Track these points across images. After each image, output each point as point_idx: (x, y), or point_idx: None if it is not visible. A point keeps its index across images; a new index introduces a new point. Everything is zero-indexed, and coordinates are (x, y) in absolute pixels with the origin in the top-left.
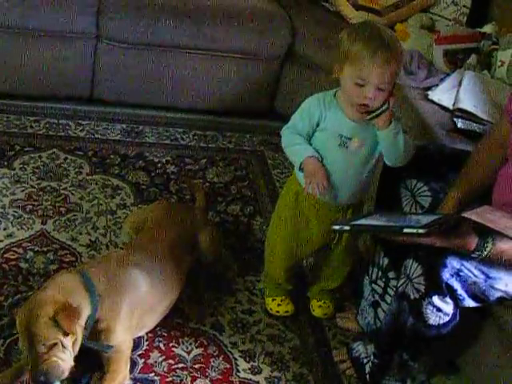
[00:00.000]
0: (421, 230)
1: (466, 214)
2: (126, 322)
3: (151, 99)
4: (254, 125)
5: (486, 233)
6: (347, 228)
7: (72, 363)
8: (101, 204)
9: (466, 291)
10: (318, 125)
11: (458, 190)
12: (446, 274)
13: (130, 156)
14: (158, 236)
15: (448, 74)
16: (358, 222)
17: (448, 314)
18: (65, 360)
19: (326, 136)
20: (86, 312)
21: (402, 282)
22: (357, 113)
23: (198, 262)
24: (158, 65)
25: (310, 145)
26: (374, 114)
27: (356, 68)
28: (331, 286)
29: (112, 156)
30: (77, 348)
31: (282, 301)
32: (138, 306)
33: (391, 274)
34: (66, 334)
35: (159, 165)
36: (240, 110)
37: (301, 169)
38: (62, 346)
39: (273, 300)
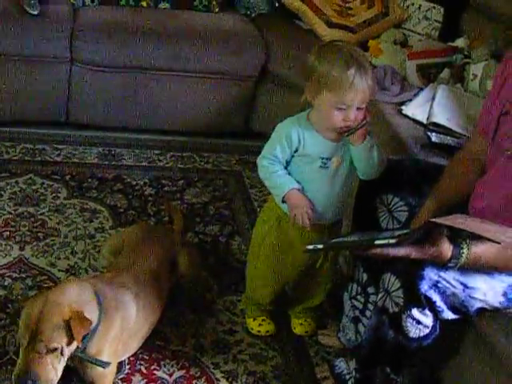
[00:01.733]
0: (392, 240)
1: (434, 219)
2: (114, 345)
3: (127, 122)
4: (230, 144)
5: (460, 239)
6: (320, 247)
7: (59, 376)
8: (79, 228)
9: (445, 303)
10: (296, 150)
11: (433, 203)
12: (424, 286)
13: (108, 179)
14: (137, 259)
15: (421, 89)
16: (332, 241)
17: (428, 327)
18: (57, 370)
19: (307, 160)
20: (92, 325)
21: (380, 296)
22: (333, 133)
23: (177, 283)
24: (134, 87)
25: (289, 172)
26: (353, 130)
27: (337, 94)
28: (313, 304)
29: (89, 180)
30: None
31: (263, 320)
32: (126, 328)
33: (371, 290)
34: (68, 343)
35: (137, 187)
36: (216, 130)
37: (283, 201)
38: (61, 353)
39: (254, 320)
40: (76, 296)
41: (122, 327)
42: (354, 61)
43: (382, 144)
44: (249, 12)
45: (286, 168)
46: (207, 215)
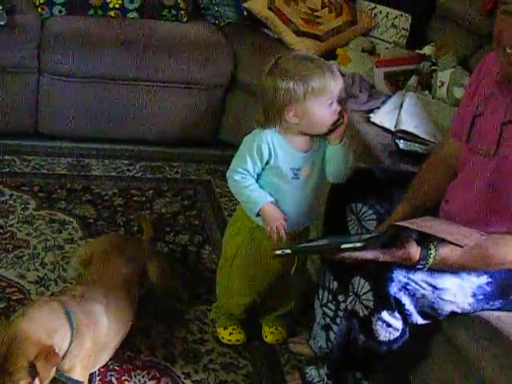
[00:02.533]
0: (358, 244)
1: (399, 223)
2: (86, 360)
3: (96, 132)
4: (200, 154)
5: (427, 241)
6: (288, 251)
7: None
8: (48, 239)
9: (415, 306)
10: (267, 163)
11: (405, 207)
12: (393, 289)
13: (77, 190)
14: (107, 270)
15: (389, 96)
16: (301, 245)
17: (398, 330)
18: None
19: (278, 172)
20: (64, 349)
21: (350, 299)
22: (303, 143)
23: (147, 293)
24: (102, 97)
25: (260, 185)
26: (339, 122)
27: (323, 94)
28: (284, 312)
29: (58, 190)
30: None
31: (233, 329)
32: (97, 342)
33: (341, 297)
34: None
35: (106, 197)
36: (186, 140)
37: (258, 215)
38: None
39: (225, 329)
40: (46, 323)
41: (94, 342)
42: (321, 64)
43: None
44: (217, 21)
45: (256, 181)
46: (177, 225)
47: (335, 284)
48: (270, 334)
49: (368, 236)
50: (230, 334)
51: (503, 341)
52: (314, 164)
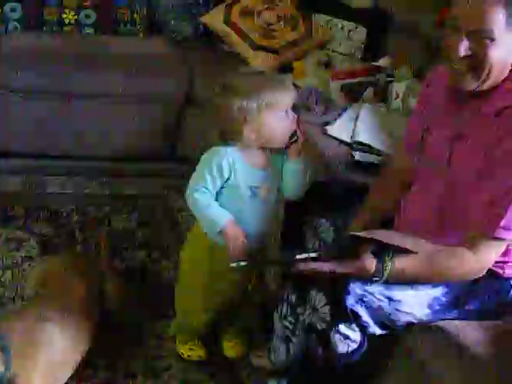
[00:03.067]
0: (312, 254)
1: (354, 233)
2: (43, 380)
3: (52, 148)
4: (156, 169)
5: (383, 254)
6: (243, 264)
7: None
8: (5, 258)
9: (372, 317)
10: (226, 180)
11: (361, 220)
12: (350, 301)
13: (34, 207)
14: (63, 288)
15: (346, 109)
16: (256, 258)
17: (356, 342)
18: None
19: (237, 190)
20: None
21: (307, 313)
22: (261, 159)
23: (105, 310)
24: (58, 113)
25: (219, 204)
26: (294, 137)
27: (277, 106)
28: (242, 325)
29: (15, 208)
30: None
31: (194, 345)
32: (52, 362)
33: (300, 310)
34: None
35: (63, 215)
36: (142, 155)
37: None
38: None
39: (185, 344)
40: None
41: (48, 361)
42: (263, 72)
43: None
44: (174, 36)
45: (216, 200)
46: (134, 241)
47: (294, 297)
48: (230, 348)
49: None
50: (191, 349)
51: (459, 349)
52: (273, 183)
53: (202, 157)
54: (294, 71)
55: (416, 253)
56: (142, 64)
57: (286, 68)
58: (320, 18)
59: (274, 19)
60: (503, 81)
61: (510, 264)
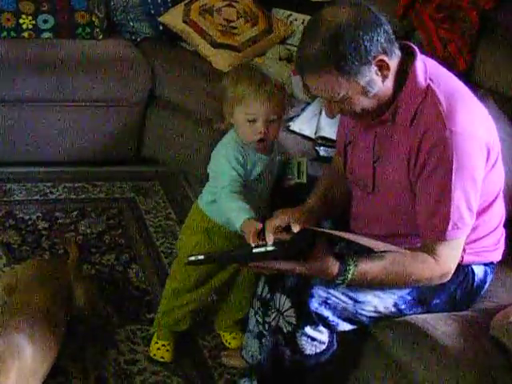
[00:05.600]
0: (270, 248)
1: (313, 227)
2: None
3: (16, 155)
4: (123, 172)
5: (346, 256)
6: (201, 257)
7: None
8: None
9: (339, 317)
10: (244, 168)
11: (315, 201)
12: (314, 304)
13: None
14: (31, 296)
15: (308, 104)
16: (213, 253)
17: (324, 343)
18: None
19: (249, 175)
20: None
21: (273, 316)
22: (256, 149)
23: (75, 316)
24: (20, 120)
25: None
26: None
27: (244, 106)
28: (241, 316)
29: None
30: None
31: (163, 346)
32: (22, 374)
33: (270, 310)
34: None
35: (30, 222)
36: (108, 158)
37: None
38: None
39: (156, 343)
40: None
41: (20, 372)
42: (260, 75)
43: None
44: (133, 37)
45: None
46: (103, 245)
47: (265, 293)
48: (232, 339)
49: (280, 240)
50: (158, 349)
51: (430, 342)
52: (271, 169)
53: (215, 157)
54: None
55: (379, 257)
56: (102, 67)
57: None
58: (280, 13)
59: (233, 16)
60: (400, 90)
61: (466, 251)
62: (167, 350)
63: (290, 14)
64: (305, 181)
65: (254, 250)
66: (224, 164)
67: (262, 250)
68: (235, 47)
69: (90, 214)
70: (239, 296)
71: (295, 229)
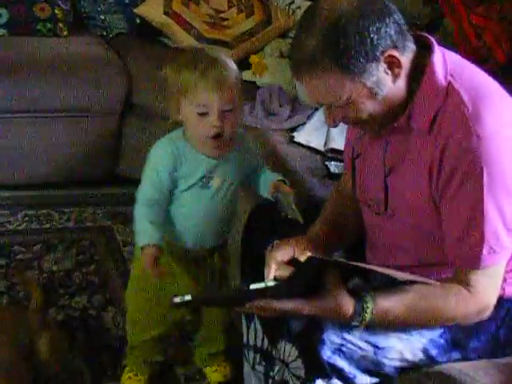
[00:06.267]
0: (270, 283)
1: (320, 256)
2: None
3: None
4: (96, 195)
5: (363, 291)
6: (189, 298)
7: None
8: None
9: (357, 367)
10: (175, 171)
11: (321, 227)
12: (326, 353)
13: None
14: None
15: (316, 110)
16: (203, 295)
17: None
18: None
19: (187, 181)
20: None
21: (277, 369)
22: (213, 148)
23: (39, 373)
24: None
25: (173, 198)
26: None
27: (191, 97)
28: (219, 349)
29: None
30: None
31: (134, 375)
32: None
33: (271, 362)
34: None
35: None
36: (78, 179)
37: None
38: None
39: (128, 372)
40: None
41: None
42: (203, 56)
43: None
44: (105, 33)
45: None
46: (72, 284)
47: (266, 342)
48: (213, 372)
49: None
50: (129, 378)
51: None
52: (226, 173)
53: (150, 152)
54: (251, 67)
55: (403, 291)
56: (67, 70)
57: (241, 63)
58: (279, 1)
59: (223, 5)
60: (415, 91)
61: (507, 280)
62: (139, 380)
63: (292, 1)
64: (299, 218)
65: (252, 287)
66: (148, 164)
67: (262, 285)
68: (226, 43)
69: (57, 247)
70: (213, 326)
71: (302, 259)
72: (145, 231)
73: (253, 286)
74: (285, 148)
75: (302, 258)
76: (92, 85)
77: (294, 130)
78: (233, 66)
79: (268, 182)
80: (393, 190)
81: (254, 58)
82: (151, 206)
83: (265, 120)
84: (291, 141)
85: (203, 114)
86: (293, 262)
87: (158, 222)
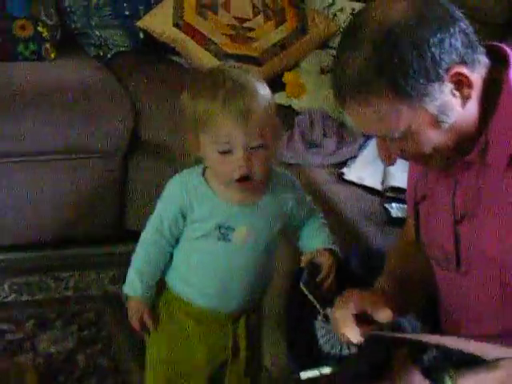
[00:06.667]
0: (325, 370)
1: (391, 334)
2: None
3: None
4: (99, 255)
5: (440, 370)
6: (327, 371)
7: None
8: None
9: None
10: (185, 217)
11: (386, 284)
12: None
13: None
14: None
15: (368, 138)
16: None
17: None
18: None
19: (199, 230)
20: None
21: None
22: (237, 193)
23: None
24: None
25: (179, 250)
26: None
27: (211, 132)
28: None
29: None
30: None
31: None
32: None
33: None
34: None
35: None
36: (77, 236)
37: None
38: None
39: None
40: None
41: None
42: (224, 79)
43: None
44: (101, 53)
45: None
46: (76, 369)
47: None
48: None
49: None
50: None
51: None
52: (255, 225)
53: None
54: (286, 88)
55: (491, 367)
56: (57, 101)
57: (273, 84)
58: (317, 3)
59: (248, 12)
60: (490, 116)
61: None
62: None
63: (332, 3)
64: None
65: (302, 376)
66: (160, 200)
67: (315, 373)
68: (254, 58)
69: (54, 323)
70: None
71: (381, 316)
72: (129, 280)
73: (304, 376)
74: (332, 188)
75: (383, 313)
76: (87, 119)
77: (342, 165)
78: (263, 90)
79: (310, 243)
80: (466, 241)
81: (288, 76)
82: (147, 249)
83: (305, 154)
84: (340, 178)
85: (226, 153)
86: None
87: (151, 271)
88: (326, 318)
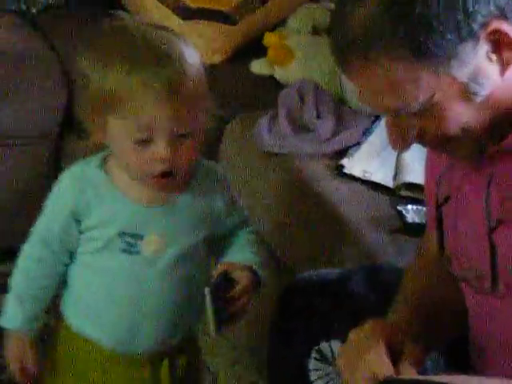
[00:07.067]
0: None
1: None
2: None
3: None
4: None
5: None
6: None
7: None
8: None
9: None
10: (79, 223)
11: (402, 310)
12: None
13: None
14: None
15: (377, 118)
16: None
17: None
18: None
19: (98, 240)
20: None
21: None
22: (150, 190)
23: None
24: None
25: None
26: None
27: (125, 112)
28: None
29: None
30: None
31: None
32: None
33: None
34: None
35: None
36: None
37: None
38: None
39: None
40: None
41: None
42: (146, 45)
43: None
44: (25, 6)
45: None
46: None
47: None
48: None
49: None
50: None
51: None
52: (171, 230)
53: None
54: (267, 53)
55: None
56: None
57: (250, 48)
58: None
59: None
60: None
61: None
62: None
63: None
64: (211, 330)
65: None
66: (46, 204)
67: None
68: (225, 15)
69: None
70: None
71: (406, 372)
72: (7, 309)
73: None
74: (329, 185)
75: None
76: (8, 96)
77: (342, 154)
78: (194, 58)
79: (233, 257)
80: (504, 254)
81: (270, 38)
82: (29, 268)
83: (294, 140)
84: (339, 172)
85: (144, 141)
86: None
87: (35, 295)
88: (322, 356)
